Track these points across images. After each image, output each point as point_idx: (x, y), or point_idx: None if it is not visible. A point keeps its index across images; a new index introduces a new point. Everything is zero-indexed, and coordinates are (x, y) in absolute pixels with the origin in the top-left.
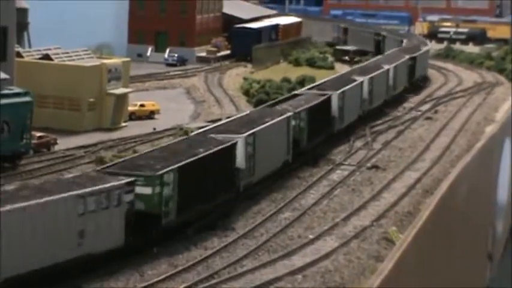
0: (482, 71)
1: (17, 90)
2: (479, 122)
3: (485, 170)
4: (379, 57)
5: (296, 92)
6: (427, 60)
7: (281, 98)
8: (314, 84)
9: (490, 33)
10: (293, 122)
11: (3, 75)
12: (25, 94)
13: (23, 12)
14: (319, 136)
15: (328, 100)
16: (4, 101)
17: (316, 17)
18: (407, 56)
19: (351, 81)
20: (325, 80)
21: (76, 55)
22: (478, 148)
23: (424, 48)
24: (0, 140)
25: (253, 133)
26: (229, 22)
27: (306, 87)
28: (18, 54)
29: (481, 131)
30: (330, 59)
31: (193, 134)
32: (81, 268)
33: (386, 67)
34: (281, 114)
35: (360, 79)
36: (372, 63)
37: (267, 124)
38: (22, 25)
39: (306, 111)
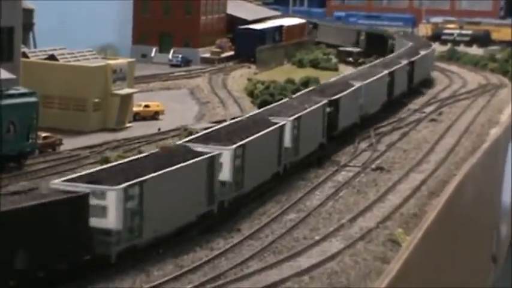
0: (486, 73)
1: (22, 90)
2: (483, 124)
3: (490, 172)
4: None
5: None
6: (430, 63)
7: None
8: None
9: (494, 35)
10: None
11: (10, 76)
12: (31, 94)
13: (28, 13)
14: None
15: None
16: (10, 101)
17: (332, 22)
18: (385, 72)
19: (313, 103)
20: (282, 102)
21: (81, 55)
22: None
23: (423, 52)
24: (6, 140)
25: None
26: (233, 23)
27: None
28: (24, 55)
29: (486, 133)
30: (334, 60)
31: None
32: None
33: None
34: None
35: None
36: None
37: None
38: (28, 26)
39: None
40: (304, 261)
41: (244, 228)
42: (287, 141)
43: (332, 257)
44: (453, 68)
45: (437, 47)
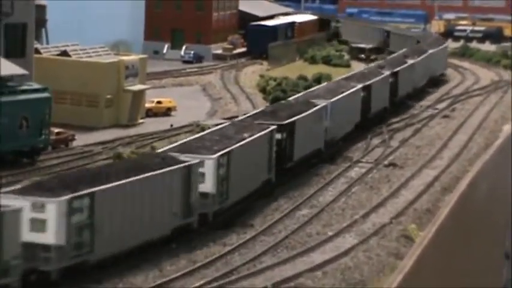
0: (499, 69)
1: (35, 86)
2: (496, 121)
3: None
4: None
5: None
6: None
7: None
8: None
9: (507, 32)
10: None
11: (23, 71)
12: (44, 90)
13: (41, 9)
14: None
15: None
16: (23, 96)
17: (356, 20)
18: (359, 86)
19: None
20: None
21: (94, 52)
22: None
23: (412, 61)
24: (19, 136)
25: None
26: (245, 20)
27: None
28: (37, 51)
29: (499, 129)
30: (346, 57)
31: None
32: None
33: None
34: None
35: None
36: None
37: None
38: (40, 22)
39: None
40: (317, 257)
41: (257, 223)
42: (203, 187)
43: (345, 253)
44: (466, 64)
45: (450, 44)
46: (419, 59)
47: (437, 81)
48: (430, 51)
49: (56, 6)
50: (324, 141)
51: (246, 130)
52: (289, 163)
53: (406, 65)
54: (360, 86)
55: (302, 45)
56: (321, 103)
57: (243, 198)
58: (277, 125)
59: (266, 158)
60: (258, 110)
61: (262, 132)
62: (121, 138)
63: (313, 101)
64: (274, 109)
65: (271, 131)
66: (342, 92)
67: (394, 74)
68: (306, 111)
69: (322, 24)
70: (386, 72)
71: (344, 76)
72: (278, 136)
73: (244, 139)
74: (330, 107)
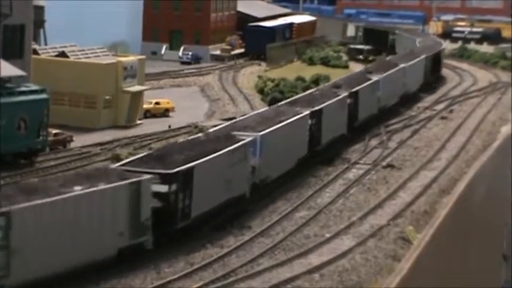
0: (497, 70)
1: (33, 87)
2: (494, 122)
3: (501, 170)
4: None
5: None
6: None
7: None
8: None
9: (505, 33)
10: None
11: (20, 72)
12: (42, 91)
13: (39, 10)
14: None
15: None
16: (21, 98)
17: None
18: (305, 112)
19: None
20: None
21: (92, 52)
22: (494, 148)
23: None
24: (17, 137)
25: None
26: (243, 20)
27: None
28: (35, 52)
29: (497, 131)
30: (344, 58)
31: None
32: None
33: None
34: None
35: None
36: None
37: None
38: (38, 23)
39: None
40: (314, 259)
41: (255, 225)
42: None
43: (343, 255)
44: (464, 65)
45: (448, 45)
46: (385, 74)
47: (415, 98)
48: (402, 65)
49: (54, 7)
50: (248, 186)
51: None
52: (185, 221)
53: (368, 82)
54: (306, 112)
55: (300, 46)
56: (247, 137)
57: None
58: (163, 175)
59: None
60: (143, 154)
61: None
62: (119, 139)
63: (238, 133)
64: (161, 154)
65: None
66: (280, 122)
67: (353, 95)
68: (219, 150)
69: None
70: (343, 94)
71: (289, 100)
72: (162, 189)
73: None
74: (259, 141)
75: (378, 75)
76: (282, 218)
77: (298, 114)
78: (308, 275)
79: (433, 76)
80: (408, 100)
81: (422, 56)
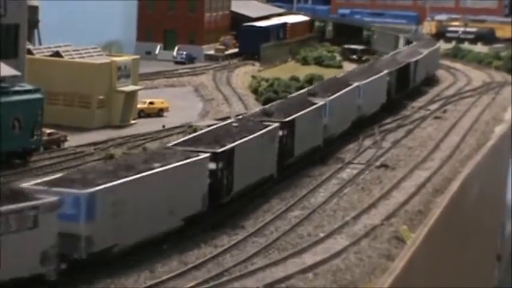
0: (491, 70)
1: (28, 87)
2: (488, 122)
3: (495, 169)
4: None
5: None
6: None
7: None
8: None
9: (499, 33)
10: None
11: (15, 72)
12: (36, 91)
13: (33, 10)
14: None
15: None
16: (15, 97)
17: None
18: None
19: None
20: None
21: (86, 52)
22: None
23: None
24: (11, 137)
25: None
26: (237, 20)
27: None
28: (29, 52)
29: (490, 130)
30: (338, 58)
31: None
32: None
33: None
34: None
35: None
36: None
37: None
38: (33, 22)
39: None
40: (308, 258)
41: (249, 225)
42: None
43: (336, 254)
44: (458, 65)
45: (442, 45)
46: (333, 96)
47: (373, 121)
48: (356, 83)
49: (48, 7)
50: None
51: None
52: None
53: (309, 108)
54: (205, 155)
55: (294, 46)
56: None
57: None
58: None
59: None
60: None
61: None
62: (113, 139)
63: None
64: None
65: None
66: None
67: (287, 125)
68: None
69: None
70: (272, 125)
71: (191, 136)
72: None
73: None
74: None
75: (323, 99)
76: (276, 217)
77: (192, 157)
78: (302, 274)
79: (400, 93)
80: (363, 125)
81: (385, 72)
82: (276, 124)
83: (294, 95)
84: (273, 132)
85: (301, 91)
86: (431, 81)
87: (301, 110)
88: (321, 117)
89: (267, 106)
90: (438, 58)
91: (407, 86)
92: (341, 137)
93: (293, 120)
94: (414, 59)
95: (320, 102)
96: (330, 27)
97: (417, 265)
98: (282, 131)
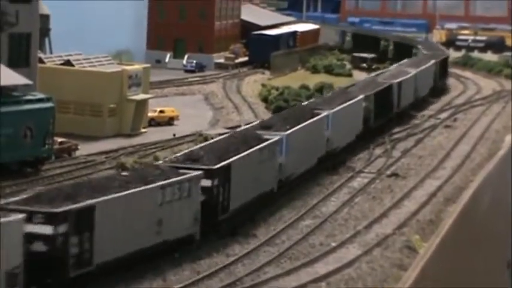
0: (501, 79)
1: (39, 95)
2: (498, 131)
3: (506, 179)
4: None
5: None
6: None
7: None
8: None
9: (509, 42)
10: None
11: (27, 81)
12: (47, 100)
13: (45, 19)
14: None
15: None
16: (27, 106)
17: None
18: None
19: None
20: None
21: (97, 61)
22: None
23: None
24: (23, 145)
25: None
26: (247, 29)
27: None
28: (40, 60)
29: (501, 139)
30: (348, 66)
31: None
32: None
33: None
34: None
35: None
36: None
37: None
38: (44, 31)
39: None
40: (321, 268)
41: (261, 234)
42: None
43: (349, 264)
44: (467, 74)
45: (452, 53)
46: (292, 130)
47: (344, 156)
48: (324, 113)
49: (59, 15)
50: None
51: None
52: None
53: (257, 146)
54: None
55: (304, 55)
56: None
57: None
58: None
59: None
60: None
61: None
62: (124, 147)
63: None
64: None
65: None
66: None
67: (220, 173)
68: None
69: None
70: (192, 173)
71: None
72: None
73: None
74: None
75: (279, 132)
76: (287, 226)
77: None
78: (314, 283)
79: (380, 120)
80: (331, 161)
81: (360, 96)
82: (198, 173)
83: (241, 128)
84: (194, 181)
85: (252, 123)
86: (424, 102)
87: (244, 150)
88: (274, 156)
89: (194, 148)
90: (432, 77)
91: (389, 111)
92: (303, 176)
93: (228, 166)
94: (397, 80)
95: (274, 137)
96: (348, 38)
97: (430, 274)
98: (210, 182)
